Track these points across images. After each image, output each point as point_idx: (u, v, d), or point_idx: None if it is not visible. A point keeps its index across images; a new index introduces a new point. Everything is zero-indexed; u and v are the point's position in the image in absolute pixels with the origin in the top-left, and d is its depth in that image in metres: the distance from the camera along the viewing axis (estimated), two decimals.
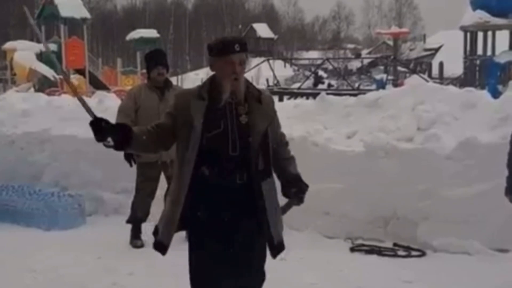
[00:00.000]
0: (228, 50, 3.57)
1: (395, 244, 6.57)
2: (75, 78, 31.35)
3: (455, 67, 34.21)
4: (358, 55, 56.91)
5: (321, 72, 33.70)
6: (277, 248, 3.74)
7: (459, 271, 5.72)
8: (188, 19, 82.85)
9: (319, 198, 6.81)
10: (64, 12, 30.86)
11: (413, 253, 6.38)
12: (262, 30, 75.69)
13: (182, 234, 6.96)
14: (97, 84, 31.45)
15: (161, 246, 3.93)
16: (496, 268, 5.75)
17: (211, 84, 3.60)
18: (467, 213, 6.30)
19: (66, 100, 9.70)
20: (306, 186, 3.93)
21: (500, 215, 6.24)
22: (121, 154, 7.03)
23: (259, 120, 3.61)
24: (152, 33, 40.06)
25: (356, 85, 31.50)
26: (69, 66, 30.51)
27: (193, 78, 56.52)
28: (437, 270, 5.78)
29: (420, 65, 44.57)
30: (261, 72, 40.89)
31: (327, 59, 32.43)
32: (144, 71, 7.89)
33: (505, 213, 6.24)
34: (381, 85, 25.42)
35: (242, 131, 3.54)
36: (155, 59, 6.89)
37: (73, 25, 33.46)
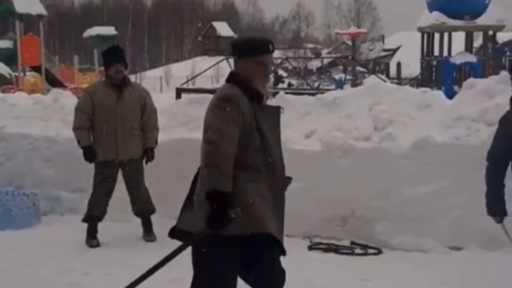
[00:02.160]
0: (262, 51, 3.50)
1: (352, 243, 6.62)
2: (31, 76, 30.92)
3: (412, 67, 34.64)
4: (318, 55, 57.21)
5: (281, 72, 33.81)
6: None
7: (415, 268, 5.79)
8: (147, 16, 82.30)
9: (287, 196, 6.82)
10: (20, 8, 30.39)
11: (370, 251, 6.44)
12: (222, 28, 75.56)
13: (134, 233, 6.96)
14: (53, 82, 31.01)
15: None
16: (451, 265, 5.84)
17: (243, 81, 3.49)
18: (423, 211, 6.38)
19: (21, 98, 9.54)
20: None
21: (455, 213, 6.35)
22: (76, 152, 6.96)
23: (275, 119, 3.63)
24: (110, 30, 39.75)
25: (316, 84, 31.67)
26: (24, 63, 30.05)
27: (152, 77, 56.24)
28: (394, 268, 5.84)
29: (379, 65, 45.02)
30: (220, 71, 40.83)
31: (287, 59, 32.48)
32: (102, 68, 7.81)
33: (459, 211, 6.35)
34: (340, 85, 25.60)
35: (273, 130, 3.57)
36: (113, 56, 6.82)
37: (29, 21, 33.01)
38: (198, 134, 8.14)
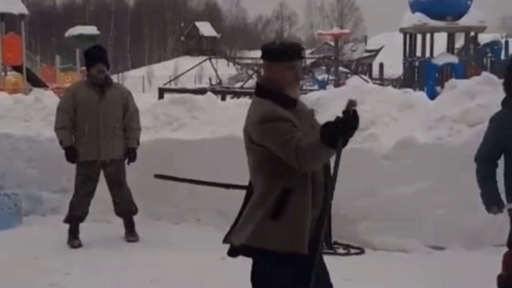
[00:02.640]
0: (295, 56, 3.45)
1: (335, 243, 6.62)
2: (12, 75, 30.69)
3: (395, 68, 34.78)
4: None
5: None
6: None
7: (397, 268, 5.81)
8: (129, 16, 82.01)
9: None
10: (1, 7, 30.12)
11: (353, 251, 6.46)
12: (205, 28, 75.44)
13: (116, 233, 6.94)
14: (35, 82, 30.78)
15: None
16: (433, 265, 5.88)
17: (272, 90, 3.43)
18: (405, 211, 6.40)
19: (2, 97, 9.47)
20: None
21: (437, 213, 6.39)
22: (58, 152, 6.91)
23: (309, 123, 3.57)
24: (92, 29, 39.58)
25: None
26: (6, 63, 29.81)
27: (134, 76, 56.06)
28: (376, 268, 5.86)
29: (362, 66, 45.14)
30: (204, 71, 40.80)
31: None
32: (84, 68, 7.77)
33: (441, 211, 6.39)
34: (323, 85, 25.67)
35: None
36: (95, 56, 6.79)
37: (10, 21, 32.71)
38: (181, 134, 8.20)
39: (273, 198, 3.37)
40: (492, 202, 4.43)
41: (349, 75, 29.71)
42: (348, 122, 3.22)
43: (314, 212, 3.46)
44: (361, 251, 6.46)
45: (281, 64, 3.41)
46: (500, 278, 4.59)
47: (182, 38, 77.16)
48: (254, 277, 3.55)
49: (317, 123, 3.59)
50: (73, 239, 6.76)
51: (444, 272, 5.62)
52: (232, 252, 3.58)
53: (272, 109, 3.37)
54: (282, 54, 3.42)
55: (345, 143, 3.24)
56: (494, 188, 4.42)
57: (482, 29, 24.45)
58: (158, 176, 3.86)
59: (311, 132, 3.47)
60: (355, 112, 3.25)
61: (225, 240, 3.60)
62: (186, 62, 48.79)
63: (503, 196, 4.48)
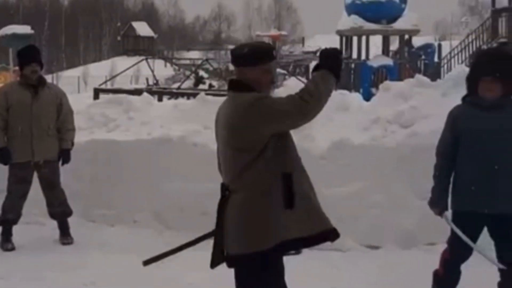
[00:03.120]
0: (268, 58, 3.46)
1: None
2: None
3: None
4: None
5: (202, 72, 33.69)
6: None
7: (333, 267, 5.87)
8: (64, 15, 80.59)
9: (197, 198, 6.81)
10: None
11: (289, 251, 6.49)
12: (142, 28, 74.69)
13: (50, 236, 6.81)
14: None
15: None
16: (368, 264, 5.96)
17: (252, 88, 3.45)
18: (340, 211, 6.46)
19: None
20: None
21: (372, 213, 6.49)
22: None
23: None
24: (25, 29, 38.56)
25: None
26: None
27: (69, 77, 55.11)
28: (311, 267, 5.89)
29: (299, 67, 45.45)
30: (140, 72, 40.40)
31: (207, 60, 32.45)
32: (17, 68, 7.61)
33: (376, 211, 6.50)
34: None
35: None
36: (29, 56, 6.67)
37: None
38: (116, 135, 8.08)
39: (278, 189, 3.37)
40: (437, 204, 4.51)
41: (286, 77, 29.86)
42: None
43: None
44: (297, 251, 6.49)
45: (257, 68, 3.41)
46: (436, 273, 4.69)
47: (119, 38, 76.19)
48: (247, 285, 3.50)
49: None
50: (6, 242, 6.61)
51: (379, 271, 5.71)
52: (232, 262, 3.53)
53: (261, 95, 3.40)
54: (258, 58, 3.42)
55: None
56: (445, 189, 4.48)
57: (416, 32, 24.94)
58: (147, 262, 3.73)
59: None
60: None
61: (215, 254, 3.57)
62: (122, 62, 48.24)
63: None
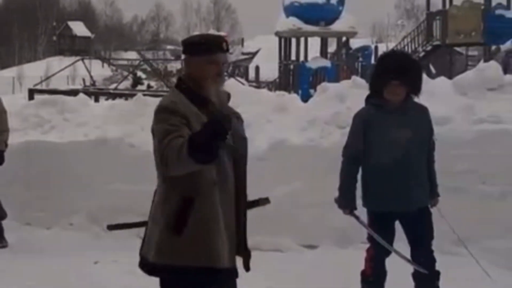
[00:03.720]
0: (215, 49, 3.15)
1: None
2: None
3: (271, 71, 35.33)
4: (177, 57, 57.04)
5: (140, 73, 33.43)
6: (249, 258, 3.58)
7: (271, 267, 5.89)
8: None
9: (135, 200, 6.74)
10: None
11: None
12: (78, 28, 73.58)
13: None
14: None
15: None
16: (305, 263, 6.02)
17: (189, 88, 3.14)
18: (278, 211, 6.51)
19: None
20: None
21: (309, 212, 6.56)
22: None
23: (239, 124, 3.28)
24: None
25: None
26: None
27: (4, 77, 53.86)
28: (250, 267, 5.92)
29: (239, 68, 45.53)
30: (77, 72, 39.79)
31: (144, 60, 32.22)
32: None
33: (313, 210, 6.56)
34: None
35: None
36: None
37: None
38: (51, 137, 7.95)
39: (172, 208, 3.07)
40: (345, 204, 4.65)
41: (225, 78, 29.91)
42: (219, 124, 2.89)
43: (226, 221, 3.17)
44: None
45: (200, 58, 3.14)
46: (363, 272, 4.80)
47: (54, 38, 74.89)
48: None
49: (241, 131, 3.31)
50: None
51: (316, 270, 5.77)
52: (146, 267, 3.21)
53: (174, 101, 3.11)
54: (201, 47, 3.15)
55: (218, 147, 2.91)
56: (351, 189, 4.61)
57: (353, 34, 25.28)
58: (111, 227, 3.53)
59: (241, 142, 3.26)
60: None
61: (141, 252, 3.27)
62: (58, 63, 47.42)
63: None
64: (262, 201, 3.61)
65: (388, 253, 4.69)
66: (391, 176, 4.42)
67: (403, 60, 4.65)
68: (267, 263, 6.02)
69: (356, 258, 5.46)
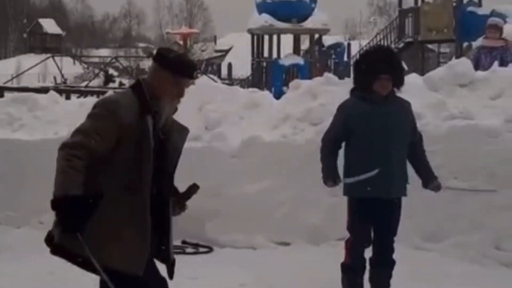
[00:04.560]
0: (188, 74, 3.34)
1: (183, 242, 6.63)
2: None
3: (244, 68, 35.30)
4: (149, 54, 56.74)
5: (112, 71, 33.20)
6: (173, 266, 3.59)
7: (244, 265, 5.89)
8: None
9: None
10: None
11: (201, 249, 6.49)
12: (49, 25, 72.76)
13: None
14: None
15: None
16: (279, 260, 6.02)
17: (144, 94, 3.25)
18: (251, 208, 6.52)
19: None
20: None
21: (282, 209, 6.55)
22: None
23: (176, 137, 3.47)
24: None
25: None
26: None
27: None
28: (223, 265, 5.91)
29: (211, 65, 45.46)
30: (48, 70, 39.37)
31: (116, 57, 31.97)
32: None
33: (286, 207, 6.56)
34: None
35: (162, 146, 3.36)
36: None
37: None
38: (21, 135, 7.86)
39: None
40: (329, 176, 4.70)
41: (198, 75, 29.84)
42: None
43: (137, 227, 3.25)
44: (209, 250, 6.50)
45: (171, 75, 3.28)
46: (343, 264, 4.83)
47: (25, 35, 74.06)
48: None
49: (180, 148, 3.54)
50: None
51: (289, 267, 5.77)
52: (50, 245, 3.27)
53: (120, 101, 3.24)
54: (177, 67, 3.29)
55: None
56: (334, 163, 4.71)
57: (325, 31, 25.33)
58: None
59: (172, 156, 3.46)
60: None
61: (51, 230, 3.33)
62: (29, 60, 46.82)
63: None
64: (192, 190, 3.76)
65: (367, 244, 4.77)
66: (373, 165, 4.50)
67: (391, 54, 4.84)
68: (240, 261, 6.02)
69: (329, 255, 5.50)
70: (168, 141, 3.42)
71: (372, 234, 4.77)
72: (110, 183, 3.19)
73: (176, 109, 3.47)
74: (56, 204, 3.07)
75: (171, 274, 3.57)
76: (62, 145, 3.18)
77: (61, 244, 3.17)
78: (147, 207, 3.26)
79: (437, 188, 4.83)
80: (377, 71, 4.53)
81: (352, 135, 4.64)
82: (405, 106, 4.76)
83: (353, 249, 4.77)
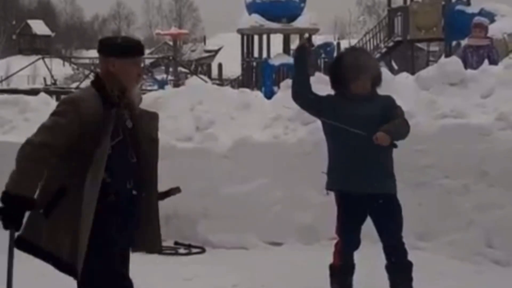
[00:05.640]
0: (138, 52, 3.45)
1: (176, 243, 6.63)
2: None
3: (234, 68, 35.29)
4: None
5: None
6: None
7: (236, 265, 5.89)
8: None
9: None
10: None
11: (194, 250, 6.49)
12: (38, 27, 72.49)
13: None
14: None
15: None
16: (271, 260, 6.02)
17: (104, 86, 3.34)
18: (243, 209, 6.52)
19: None
20: None
21: (274, 209, 6.56)
22: None
23: (145, 125, 3.50)
24: None
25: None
26: None
27: None
28: (216, 266, 5.91)
29: (201, 66, 45.42)
30: (38, 71, 39.23)
31: None
32: None
33: (278, 207, 6.57)
34: (162, 85, 25.53)
35: (133, 137, 3.41)
36: None
37: None
38: (12, 137, 7.82)
39: (50, 193, 3.30)
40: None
41: (188, 75, 29.74)
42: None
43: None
44: (202, 250, 6.50)
45: (127, 60, 3.38)
46: (332, 266, 4.83)
47: (14, 36, 73.75)
48: None
49: (156, 135, 3.56)
50: None
51: (281, 267, 5.77)
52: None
53: (78, 95, 3.42)
54: (129, 50, 3.41)
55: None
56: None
57: (315, 31, 25.34)
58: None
59: (146, 146, 3.46)
60: None
61: None
62: (18, 62, 46.60)
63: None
64: (173, 191, 3.78)
65: (356, 246, 4.76)
66: (355, 156, 4.52)
67: (368, 55, 5.08)
68: (232, 261, 6.02)
69: (321, 255, 5.48)
70: (138, 131, 3.47)
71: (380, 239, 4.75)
72: (73, 177, 3.27)
73: (141, 99, 3.59)
74: (5, 199, 3.23)
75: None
76: (28, 142, 3.30)
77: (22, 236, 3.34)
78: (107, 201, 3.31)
79: (380, 138, 4.41)
80: (358, 71, 4.64)
81: (334, 126, 4.62)
82: (387, 98, 4.78)
83: (342, 252, 4.77)
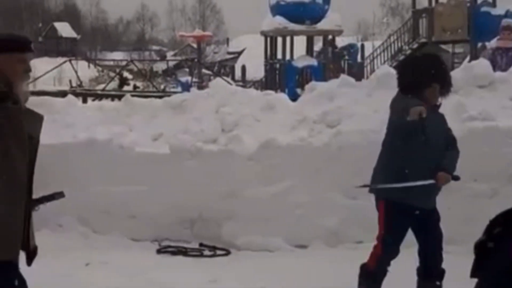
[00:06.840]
0: (25, 48, 3.41)
1: (201, 245, 6.64)
2: None
3: (257, 70, 35.31)
4: (163, 57, 56.95)
5: (126, 74, 33.34)
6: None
7: (261, 268, 5.88)
8: None
9: (124, 201, 6.72)
10: None
11: (218, 252, 6.49)
12: (64, 29, 73.17)
13: None
14: None
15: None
16: (296, 263, 6.01)
17: None
18: (268, 211, 6.51)
19: None
20: None
21: (299, 212, 6.54)
22: None
23: (36, 124, 3.47)
24: None
25: (162, 87, 31.55)
26: None
27: None
28: (241, 268, 5.91)
29: (224, 68, 45.52)
30: (63, 73, 39.57)
31: (131, 61, 32.07)
32: None
33: (303, 210, 6.55)
34: (186, 87, 25.61)
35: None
36: None
37: None
38: (40, 138, 7.85)
39: None
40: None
41: (212, 77, 29.84)
42: None
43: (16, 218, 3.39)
44: (227, 252, 6.50)
45: (13, 56, 3.33)
46: (364, 267, 4.74)
47: (40, 39, 74.50)
48: None
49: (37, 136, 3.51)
50: None
51: (307, 270, 5.75)
52: None
53: None
54: (13, 45, 3.37)
55: None
56: None
57: (339, 32, 25.27)
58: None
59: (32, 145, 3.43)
60: None
61: None
62: (44, 64, 47.12)
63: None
64: (57, 196, 3.78)
65: (396, 255, 4.66)
66: (425, 173, 4.47)
67: (443, 63, 4.80)
68: (257, 263, 6.02)
69: (346, 258, 5.47)
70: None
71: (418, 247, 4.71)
72: None
73: (27, 98, 3.51)
74: None
75: (30, 262, 3.63)
76: None
77: None
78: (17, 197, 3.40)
79: (441, 179, 4.54)
80: (432, 79, 4.54)
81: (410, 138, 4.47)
82: (442, 115, 4.75)
83: (381, 258, 4.65)
